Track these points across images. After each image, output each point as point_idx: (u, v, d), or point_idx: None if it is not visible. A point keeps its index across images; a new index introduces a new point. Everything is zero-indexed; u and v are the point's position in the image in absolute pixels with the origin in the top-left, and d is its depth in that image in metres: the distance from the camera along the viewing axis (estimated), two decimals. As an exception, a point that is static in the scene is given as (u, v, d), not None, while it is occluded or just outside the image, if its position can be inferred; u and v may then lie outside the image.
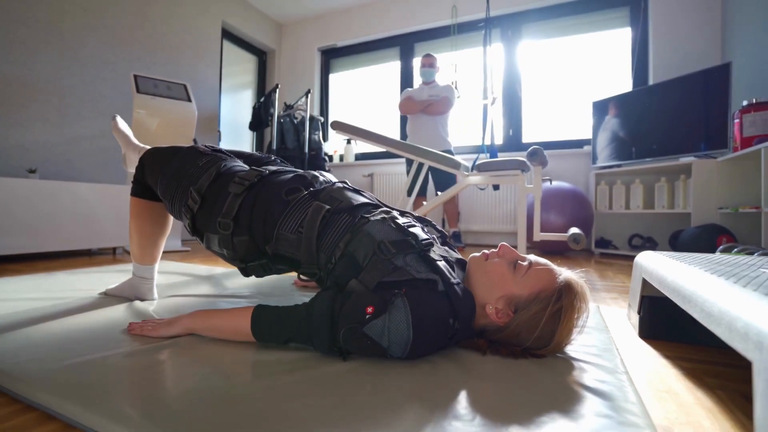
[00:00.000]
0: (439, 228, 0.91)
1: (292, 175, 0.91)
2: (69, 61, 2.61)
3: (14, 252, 1.92)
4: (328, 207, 0.80)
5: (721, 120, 2.29)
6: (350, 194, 0.86)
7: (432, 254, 0.74)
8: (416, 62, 3.95)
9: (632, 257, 2.68)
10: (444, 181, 2.98)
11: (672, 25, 2.89)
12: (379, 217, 0.78)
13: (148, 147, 1.21)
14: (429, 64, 3.12)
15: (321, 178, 0.90)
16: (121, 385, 0.58)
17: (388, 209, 0.84)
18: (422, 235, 0.77)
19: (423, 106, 3.06)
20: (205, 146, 0.99)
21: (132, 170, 1.46)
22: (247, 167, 0.95)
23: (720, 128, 2.30)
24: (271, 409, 0.52)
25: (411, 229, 0.76)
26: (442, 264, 0.73)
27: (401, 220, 0.79)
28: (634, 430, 0.50)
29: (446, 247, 0.86)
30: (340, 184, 0.89)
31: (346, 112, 4.33)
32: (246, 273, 0.87)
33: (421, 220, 0.88)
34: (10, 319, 0.90)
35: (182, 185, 0.89)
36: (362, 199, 0.86)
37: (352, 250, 0.73)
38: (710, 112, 2.35)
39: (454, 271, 0.77)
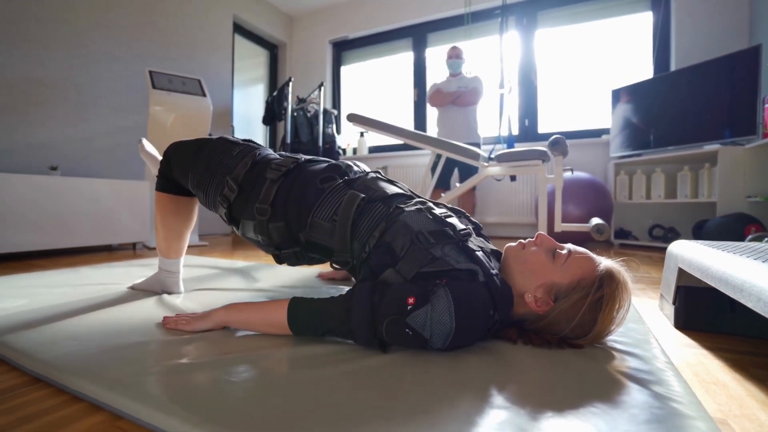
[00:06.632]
0: (473, 219, 0.91)
1: (326, 164, 0.91)
2: (82, 58, 2.62)
3: (40, 248, 1.95)
4: (363, 195, 0.80)
5: (750, 106, 2.21)
6: (384, 184, 0.86)
7: (470, 244, 0.73)
8: (429, 53, 3.90)
9: (653, 248, 2.63)
10: (470, 172, 2.95)
11: (696, 7, 2.79)
12: (414, 207, 0.78)
13: None
14: (456, 55, 3.09)
15: (355, 168, 0.91)
16: (163, 376, 0.58)
17: (423, 200, 0.84)
18: (460, 226, 0.77)
19: (452, 98, 3.03)
20: (234, 137, 0.99)
21: None
22: (278, 156, 0.95)
23: (748, 114, 2.22)
24: (319, 400, 0.52)
25: (448, 220, 0.76)
26: (480, 254, 0.73)
27: (437, 211, 0.79)
28: (689, 421, 0.48)
29: (481, 238, 0.85)
30: (374, 174, 0.89)
31: (359, 104, 4.31)
32: (279, 260, 0.89)
33: (456, 212, 0.87)
34: (47, 312, 0.92)
35: (217, 175, 0.90)
36: (396, 190, 0.86)
37: (388, 239, 0.73)
38: (737, 97, 2.27)
39: (491, 261, 0.76)
